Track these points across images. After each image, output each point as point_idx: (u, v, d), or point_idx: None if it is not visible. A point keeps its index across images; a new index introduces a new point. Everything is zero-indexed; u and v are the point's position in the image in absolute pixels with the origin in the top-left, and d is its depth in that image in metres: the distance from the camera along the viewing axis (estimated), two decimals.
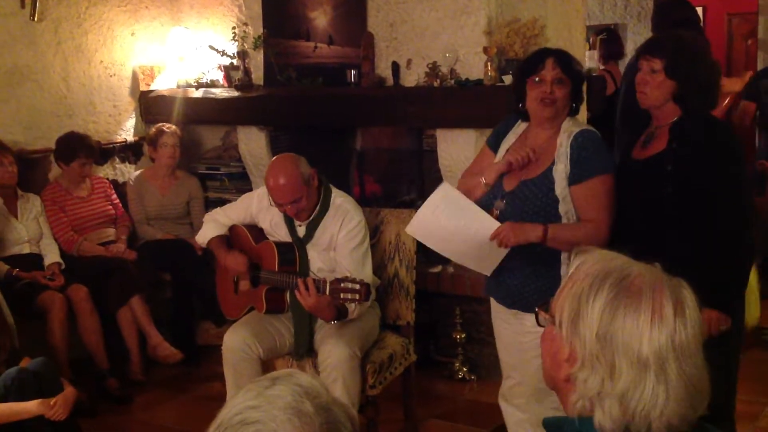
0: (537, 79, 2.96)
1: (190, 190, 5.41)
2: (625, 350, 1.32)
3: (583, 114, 4.83)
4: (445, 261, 4.83)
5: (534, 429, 3.13)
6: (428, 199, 3.04)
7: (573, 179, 2.90)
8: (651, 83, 2.89)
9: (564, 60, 2.98)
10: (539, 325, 1.50)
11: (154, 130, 5.35)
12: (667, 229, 2.84)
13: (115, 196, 5.26)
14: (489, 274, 3.11)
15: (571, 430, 1.39)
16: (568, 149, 2.92)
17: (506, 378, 3.26)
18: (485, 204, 3.01)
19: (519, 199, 2.95)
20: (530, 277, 2.99)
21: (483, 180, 3.06)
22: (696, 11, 5.41)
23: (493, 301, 3.24)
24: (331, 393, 1.21)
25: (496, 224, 2.89)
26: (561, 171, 2.92)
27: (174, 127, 5.35)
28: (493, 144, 3.20)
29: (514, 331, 3.12)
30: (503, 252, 2.95)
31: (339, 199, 3.71)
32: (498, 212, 2.98)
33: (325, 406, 1.17)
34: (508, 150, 3.08)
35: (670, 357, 1.32)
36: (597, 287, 1.37)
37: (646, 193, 2.89)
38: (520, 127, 3.14)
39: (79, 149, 4.96)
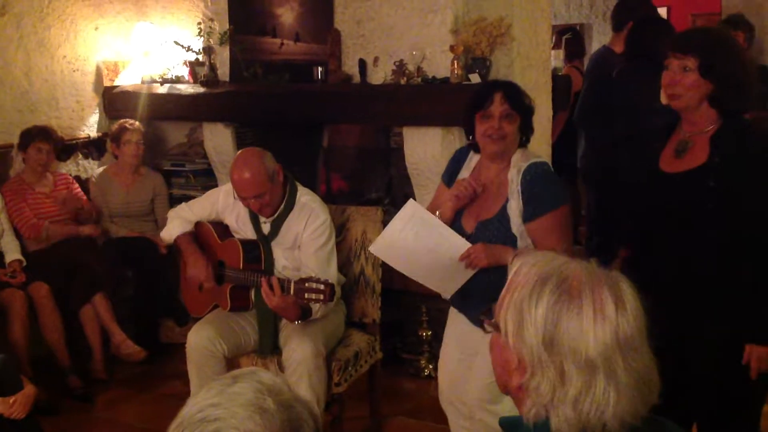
0: (485, 114, 2.95)
1: (154, 187, 5.36)
2: (573, 354, 1.33)
3: (548, 112, 4.88)
4: None
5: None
6: (395, 217, 3.03)
7: (526, 217, 2.90)
8: (683, 83, 2.62)
9: (512, 94, 2.97)
10: (485, 332, 1.49)
11: (116, 126, 5.29)
12: (705, 250, 2.62)
13: (79, 190, 5.18)
14: (448, 297, 3.12)
15: (532, 429, 1.40)
16: (519, 186, 2.92)
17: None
18: None
19: (479, 239, 2.95)
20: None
21: (437, 214, 3.05)
22: (656, 9, 5.47)
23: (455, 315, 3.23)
24: (293, 390, 1.20)
25: (467, 244, 2.90)
26: (515, 208, 2.92)
27: (137, 123, 5.30)
28: (447, 180, 3.20)
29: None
30: (468, 274, 2.95)
31: (305, 197, 3.70)
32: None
33: (287, 403, 1.16)
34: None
35: (617, 354, 1.32)
36: (537, 293, 1.37)
37: (685, 212, 2.65)
38: (473, 160, 3.14)
39: (35, 134, 4.89)
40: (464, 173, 3.13)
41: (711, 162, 2.60)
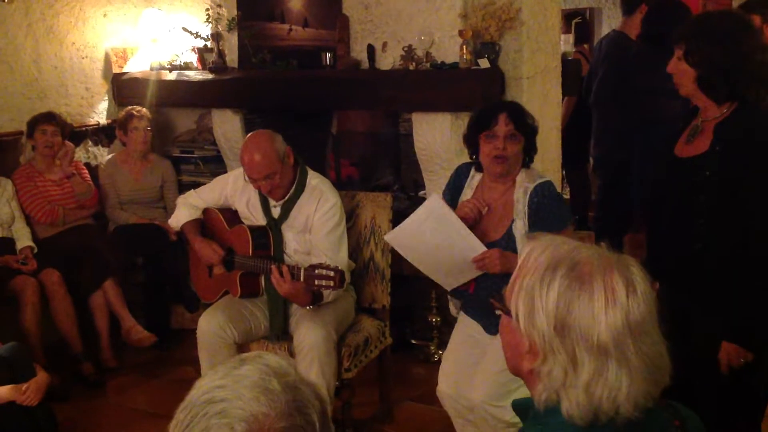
0: (489, 134, 2.96)
1: (163, 174, 5.36)
2: (585, 339, 1.34)
3: (558, 96, 4.85)
4: None
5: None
6: (417, 210, 3.02)
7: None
8: (677, 71, 2.64)
9: (517, 115, 2.98)
10: (495, 314, 1.51)
11: (122, 113, 5.28)
12: (695, 241, 2.62)
13: (88, 177, 5.18)
14: (449, 289, 3.14)
15: (536, 414, 1.41)
16: (526, 207, 2.94)
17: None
18: None
19: None
20: None
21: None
22: None
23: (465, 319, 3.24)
24: (300, 373, 1.21)
25: (483, 248, 2.90)
26: (520, 228, 2.94)
27: (144, 110, 5.29)
28: (449, 197, 3.19)
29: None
30: (475, 273, 2.97)
31: (315, 180, 3.70)
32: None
33: (292, 385, 1.17)
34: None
35: (628, 338, 1.33)
36: (549, 278, 1.38)
37: (680, 199, 2.66)
38: (475, 179, 3.15)
39: (39, 118, 4.90)
40: (467, 192, 3.14)
41: (711, 150, 2.58)
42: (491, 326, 3.08)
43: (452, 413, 3.27)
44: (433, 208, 2.96)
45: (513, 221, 2.96)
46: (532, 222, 2.91)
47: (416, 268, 4.68)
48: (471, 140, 3.06)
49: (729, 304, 2.54)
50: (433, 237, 2.96)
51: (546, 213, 2.92)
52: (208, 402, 1.14)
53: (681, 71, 2.62)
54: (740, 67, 2.54)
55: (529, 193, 2.95)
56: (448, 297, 3.31)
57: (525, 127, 2.98)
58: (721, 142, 2.56)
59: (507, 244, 2.95)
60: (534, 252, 1.43)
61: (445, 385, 3.22)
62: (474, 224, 3.00)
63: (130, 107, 5.29)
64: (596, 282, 1.35)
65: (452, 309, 3.36)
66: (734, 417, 2.68)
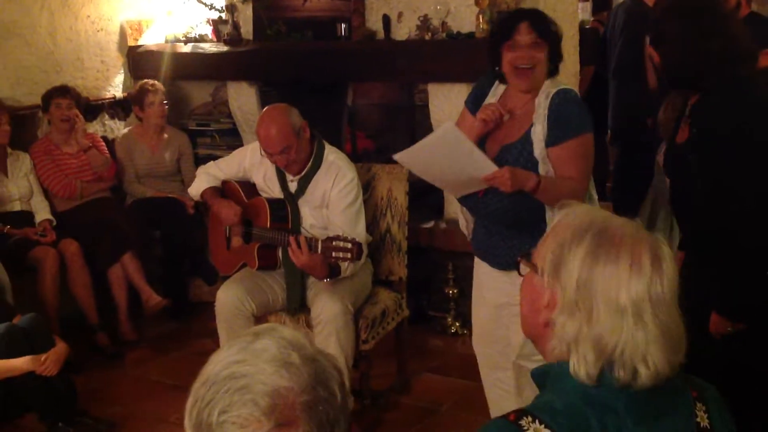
0: (512, 44, 2.87)
1: (179, 146, 5.36)
2: (604, 297, 1.36)
3: (575, 66, 4.80)
4: (437, 216, 4.83)
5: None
6: (430, 135, 2.93)
7: (550, 141, 2.86)
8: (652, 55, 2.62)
9: (539, 22, 2.90)
10: (520, 274, 1.53)
11: (136, 88, 5.26)
12: (688, 223, 2.67)
13: (106, 150, 5.18)
14: (458, 197, 3.07)
15: (556, 372, 1.42)
16: (546, 110, 2.87)
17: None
18: None
19: (501, 164, 2.88)
20: (523, 240, 2.95)
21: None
22: None
23: (478, 264, 3.21)
24: (315, 345, 1.21)
25: (494, 167, 2.82)
26: (539, 132, 2.87)
27: (157, 83, 5.27)
28: (472, 107, 3.11)
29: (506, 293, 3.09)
30: (482, 186, 2.89)
31: (332, 155, 3.69)
32: None
33: (311, 357, 1.17)
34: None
35: (647, 305, 1.35)
36: (579, 237, 1.40)
37: (682, 184, 2.65)
38: (499, 88, 3.07)
39: (52, 92, 4.91)
40: (491, 99, 3.06)
41: (690, 138, 2.54)
42: (497, 257, 3.06)
43: (483, 370, 3.30)
44: (446, 137, 2.87)
45: (532, 125, 2.90)
46: (550, 124, 2.85)
47: (433, 239, 4.70)
48: (493, 51, 2.97)
49: (715, 276, 2.53)
50: (444, 158, 2.89)
51: (566, 116, 2.86)
52: (229, 377, 1.14)
53: (652, 56, 2.58)
54: (708, 47, 2.45)
55: (550, 96, 2.88)
56: (459, 211, 3.24)
57: (548, 33, 2.90)
58: (694, 129, 2.51)
59: (523, 147, 2.90)
60: (569, 215, 1.46)
61: (476, 337, 3.28)
62: (493, 128, 2.95)
63: (142, 82, 5.28)
64: (624, 249, 1.37)
65: (462, 225, 3.27)
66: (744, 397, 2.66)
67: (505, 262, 3.01)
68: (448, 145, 2.84)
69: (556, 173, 2.86)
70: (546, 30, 2.89)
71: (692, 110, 2.55)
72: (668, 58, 2.53)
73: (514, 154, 2.91)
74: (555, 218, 1.48)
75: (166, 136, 5.34)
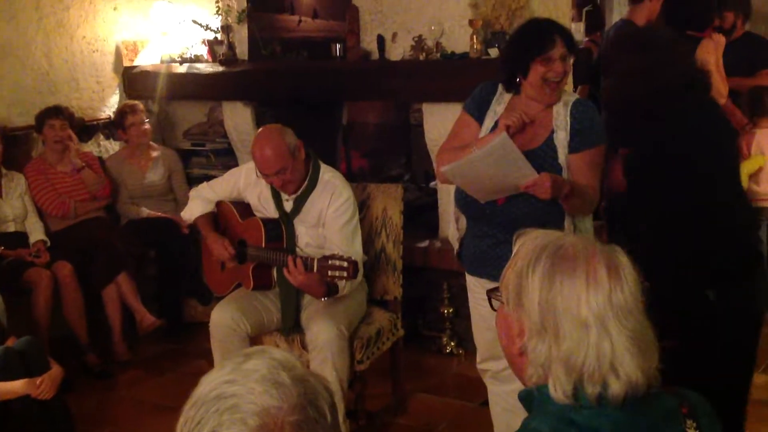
0: (546, 57, 2.86)
1: (169, 164, 5.37)
2: (566, 313, 1.38)
3: (569, 86, 4.82)
4: (432, 236, 4.83)
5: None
6: (484, 148, 2.85)
7: (572, 148, 2.92)
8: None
9: (568, 36, 2.94)
10: (493, 309, 1.56)
11: (117, 112, 5.30)
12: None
13: (100, 170, 5.17)
14: (483, 201, 3.00)
15: (537, 397, 1.44)
16: (568, 118, 2.92)
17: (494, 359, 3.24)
18: None
19: None
20: None
21: (476, 150, 2.90)
22: None
23: (474, 282, 3.20)
24: (304, 366, 1.21)
25: (536, 174, 2.80)
26: (562, 139, 2.92)
27: (136, 103, 5.31)
28: (477, 114, 3.08)
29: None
30: (512, 192, 2.89)
31: (327, 174, 3.69)
32: None
33: (301, 377, 1.17)
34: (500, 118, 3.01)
35: (609, 315, 1.38)
36: (535, 261, 1.44)
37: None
38: (505, 96, 3.05)
39: (45, 113, 4.92)
40: (495, 108, 3.05)
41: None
42: (500, 269, 3.03)
43: (490, 388, 3.30)
44: (502, 148, 2.80)
45: (553, 132, 2.93)
46: (574, 132, 2.92)
47: (427, 259, 4.70)
48: (521, 62, 2.93)
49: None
50: (491, 168, 2.85)
51: (589, 124, 2.93)
52: (218, 397, 1.14)
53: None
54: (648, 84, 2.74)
55: (570, 105, 2.94)
56: (453, 220, 3.21)
57: (574, 46, 2.96)
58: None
59: (546, 153, 2.93)
60: (525, 243, 1.49)
61: (479, 356, 3.30)
62: (514, 136, 2.91)
63: (122, 104, 5.33)
64: (578, 263, 1.41)
65: (451, 235, 3.26)
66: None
67: None
68: (499, 156, 2.81)
69: (573, 178, 2.90)
70: (573, 43, 2.94)
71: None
72: (613, 90, 2.74)
73: (538, 159, 2.90)
74: (514, 248, 1.52)
75: (154, 154, 5.35)
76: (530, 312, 1.41)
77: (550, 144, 2.93)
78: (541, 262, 1.42)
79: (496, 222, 3.01)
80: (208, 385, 1.16)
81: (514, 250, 1.51)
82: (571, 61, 2.93)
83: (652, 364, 1.40)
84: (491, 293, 1.56)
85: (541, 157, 2.92)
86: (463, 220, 3.17)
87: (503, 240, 2.98)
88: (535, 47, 2.88)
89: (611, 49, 2.71)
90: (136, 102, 5.32)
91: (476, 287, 3.17)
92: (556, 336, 1.38)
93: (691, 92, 2.77)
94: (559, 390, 1.38)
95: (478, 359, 3.31)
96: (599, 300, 1.37)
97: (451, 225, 3.24)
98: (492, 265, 3.05)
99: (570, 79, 4.80)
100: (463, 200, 3.08)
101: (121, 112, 5.24)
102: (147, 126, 5.27)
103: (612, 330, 1.37)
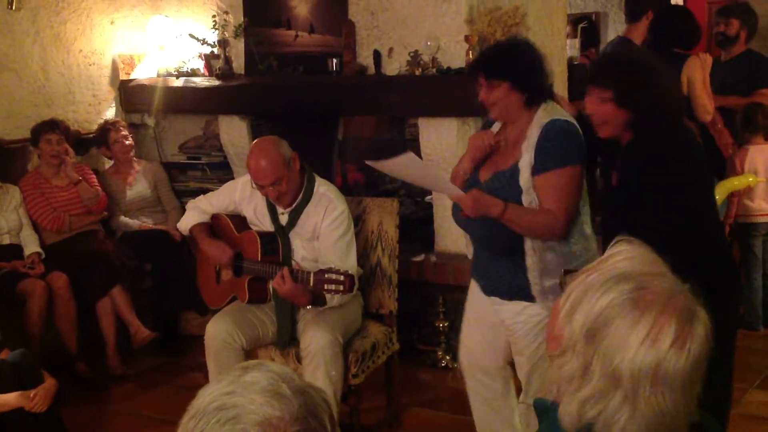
0: (478, 87, 3.02)
1: (153, 175, 5.39)
2: (605, 357, 1.29)
3: None
4: (428, 250, 4.83)
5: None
6: (390, 160, 2.94)
7: (535, 170, 2.89)
8: (601, 113, 2.80)
9: (488, 68, 2.98)
10: (562, 289, 1.44)
11: (98, 130, 5.32)
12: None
13: (96, 183, 5.17)
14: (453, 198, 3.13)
15: (552, 414, 1.40)
16: (536, 140, 2.91)
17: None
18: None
19: (489, 190, 2.93)
20: (505, 268, 3.01)
21: (461, 167, 3.10)
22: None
23: (474, 288, 3.25)
24: (303, 379, 1.21)
25: (458, 192, 2.88)
26: (527, 161, 2.91)
27: (117, 120, 5.36)
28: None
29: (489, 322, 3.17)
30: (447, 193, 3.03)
31: (322, 187, 3.70)
32: None
33: (301, 389, 1.17)
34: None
35: (647, 381, 1.27)
36: (609, 286, 1.33)
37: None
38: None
39: (42, 127, 4.92)
40: (494, 128, 3.14)
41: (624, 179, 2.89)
42: (483, 280, 3.15)
43: (470, 387, 3.34)
44: (406, 161, 2.91)
45: (521, 155, 2.93)
46: (537, 153, 2.88)
47: (423, 273, 4.71)
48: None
49: None
50: (415, 171, 3.05)
51: (551, 146, 2.87)
52: (219, 408, 1.13)
53: (609, 113, 2.76)
54: (667, 101, 2.78)
55: (542, 126, 2.91)
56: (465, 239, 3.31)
57: (503, 73, 2.93)
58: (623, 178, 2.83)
59: (511, 175, 2.94)
60: (619, 255, 1.38)
61: (462, 357, 3.35)
62: (491, 154, 3.03)
63: (102, 122, 5.36)
64: (647, 314, 1.29)
65: (466, 244, 3.34)
66: None
67: (489, 287, 3.09)
68: (413, 166, 2.97)
69: (540, 204, 2.89)
70: (498, 72, 2.95)
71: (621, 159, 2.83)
72: (643, 116, 2.73)
73: (503, 181, 2.96)
74: (610, 249, 1.40)
75: (138, 168, 5.37)
76: (574, 330, 1.33)
77: (515, 167, 2.94)
78: (614, 292, 1.31)
79: (474, 237, 3.16)
80: (207, 397, 1.16)
81: (608, 253, 1.39)
82: (503, 84, 2.93)
83: None
84: (568, 274, 1.47)
85: (506, 177, 2.95)
86: None
87: (483, 255, 3.13)
88: (471, 80, 3.12)
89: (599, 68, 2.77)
90: (118, 119, 5.37)
91: (476, 288, 3.25)
92: (585, 371, 1.31)
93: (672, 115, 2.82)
94: (565, 422, 1.33)
95: (464, 364, 3.35)
96: (645, 362, 1.26)
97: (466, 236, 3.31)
98: (480, 275, 3.19)
99: (565, 94, 4.83)
100: (454, 214, 3.15)
101: (104, 130, 5.26)
102: (130, 141, 5.29)
103: (641, 397, 1.26)
